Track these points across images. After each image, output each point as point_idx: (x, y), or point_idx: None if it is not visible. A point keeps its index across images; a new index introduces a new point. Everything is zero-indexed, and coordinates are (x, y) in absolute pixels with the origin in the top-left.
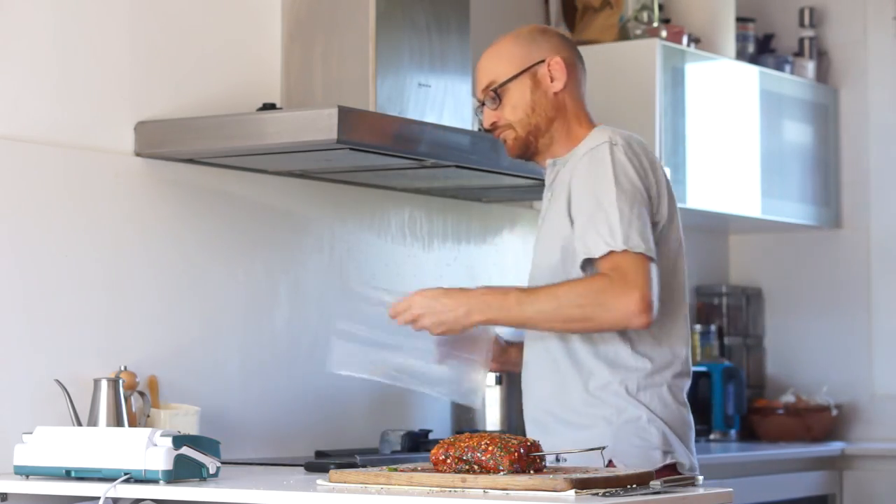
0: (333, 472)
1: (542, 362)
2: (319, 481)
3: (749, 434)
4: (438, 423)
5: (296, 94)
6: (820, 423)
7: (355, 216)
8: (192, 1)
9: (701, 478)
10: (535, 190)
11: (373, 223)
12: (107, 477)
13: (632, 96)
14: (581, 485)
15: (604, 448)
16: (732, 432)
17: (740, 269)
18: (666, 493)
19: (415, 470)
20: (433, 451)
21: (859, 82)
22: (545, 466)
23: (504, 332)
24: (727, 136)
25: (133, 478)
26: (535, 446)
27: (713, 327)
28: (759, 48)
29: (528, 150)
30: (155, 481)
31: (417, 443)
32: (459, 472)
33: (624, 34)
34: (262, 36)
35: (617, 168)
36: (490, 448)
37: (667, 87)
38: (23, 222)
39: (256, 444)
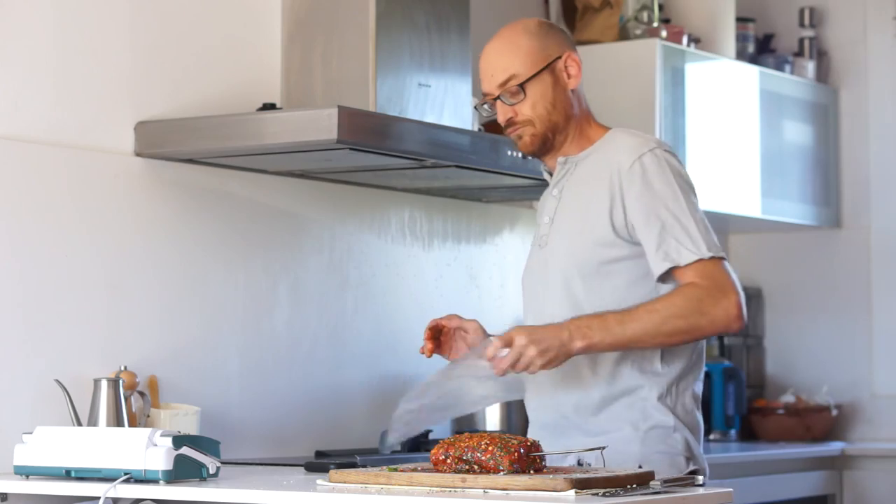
0: (333, 472)
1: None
2: (319, 481)
3: (749, 434)
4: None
5: (296, 94)
6: (820, 423)
7: (355, 216)
8: (191, 1)
9: (701, 478)
10: (535, 190)
11: (373, 223)
12: (107, 477)
13: (632, 96)
14: (581, 485)
15: (604, 448)
16: (732, 432)
17: (740, 268)
18: (666, 493)
19: (415, 470)
20: (433, 451)
21: (859, 82)
22: (545, 466)
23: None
24: (727, 136)
25: (133, 478)
26: (536, 446)
27: None
28: (759, 48)
29: (545, 147)
30: (155, 481)
31: (417, 443)
32: (459, 472)
33: (624, 34)
34: (262, 36)
35: (675, 175)
36: (490, 448)
37: (667, 87)
38: (23, 222)
39: (256, 444)
